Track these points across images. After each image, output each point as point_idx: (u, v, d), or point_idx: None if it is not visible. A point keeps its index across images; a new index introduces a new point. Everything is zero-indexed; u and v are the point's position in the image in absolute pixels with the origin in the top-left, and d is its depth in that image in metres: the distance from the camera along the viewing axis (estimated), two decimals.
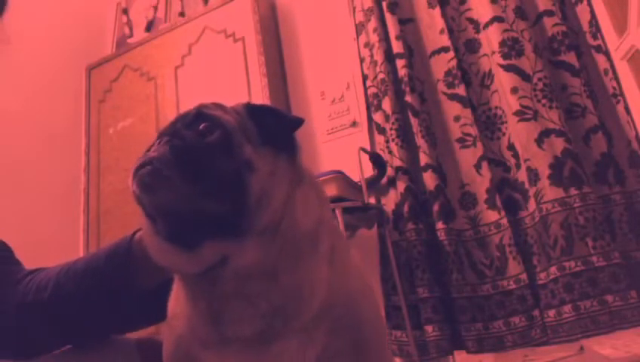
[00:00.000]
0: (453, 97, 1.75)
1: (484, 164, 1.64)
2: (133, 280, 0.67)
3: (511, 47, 1.63)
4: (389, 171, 1.76)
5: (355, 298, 0.58)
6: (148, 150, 0.53)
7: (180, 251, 0.52)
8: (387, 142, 1.80)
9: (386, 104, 1.80)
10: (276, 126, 0.57)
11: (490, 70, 1.73)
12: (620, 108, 1.52)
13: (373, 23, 1.93)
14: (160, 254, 0.55)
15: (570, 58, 1.60)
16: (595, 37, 1.61)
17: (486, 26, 1.71)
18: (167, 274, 0.61)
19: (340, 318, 0.54)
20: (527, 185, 1.56)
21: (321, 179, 1.48)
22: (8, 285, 0.71)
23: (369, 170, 1.79)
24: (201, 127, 0.53)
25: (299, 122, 0.58)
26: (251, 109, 0.58)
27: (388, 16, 1.90)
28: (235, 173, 0.51)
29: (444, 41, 1.80)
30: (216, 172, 0.50)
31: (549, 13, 1.67)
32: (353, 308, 0.56)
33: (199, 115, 0.55)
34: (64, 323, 0.69)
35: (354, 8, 2.08)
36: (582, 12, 1.65)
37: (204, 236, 0.50)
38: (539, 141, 1.51)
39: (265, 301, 0.52)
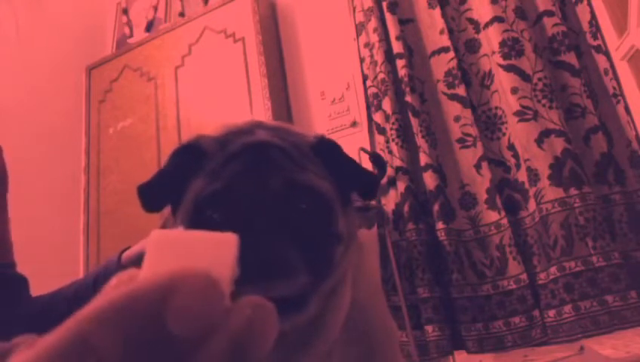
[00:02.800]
0: (454, 97, 1.75)
1: (484, 164, 1.64)
2: None
3: (511, 47, 1.63)
4: (389, 171, 1.76)
5: (366, 307, 0.57)
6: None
7: None
8: (387, 142, 1.80)
9: (386, 104, 1.80)
10: (358, 181, 0.51)
11: (490, 70, 1.73)
12: (620, 108, 1.52)
13: (373, 23, 1.93)
14: None
15: (570, 58, 1.60)
16: (595, 37, 1.61)
17: (486, 26, 1.71)
18: None
19: (354, 329, 0.55)
20: (527, 185, 1.56)
21: None
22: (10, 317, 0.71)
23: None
24: (304, 205, 0.46)
25: (378, 178, 0.53)
26: (323, 155, 0.50)
27: (388, 17, 1.90)
28: (329, 249, 0.47)
29: (444, 41, 1.80)
30: (323, 254, 0.46)
31: (549, 13, 1.67)
32: (365, 317, 0.56)
33: (293, 183, 0.47)
34: None
35: (354, 8, 2.08)
36: (582, 12, 1.65)
37: None
38: (539, 141, 1.51)
39: (293, 333, 0.48)
